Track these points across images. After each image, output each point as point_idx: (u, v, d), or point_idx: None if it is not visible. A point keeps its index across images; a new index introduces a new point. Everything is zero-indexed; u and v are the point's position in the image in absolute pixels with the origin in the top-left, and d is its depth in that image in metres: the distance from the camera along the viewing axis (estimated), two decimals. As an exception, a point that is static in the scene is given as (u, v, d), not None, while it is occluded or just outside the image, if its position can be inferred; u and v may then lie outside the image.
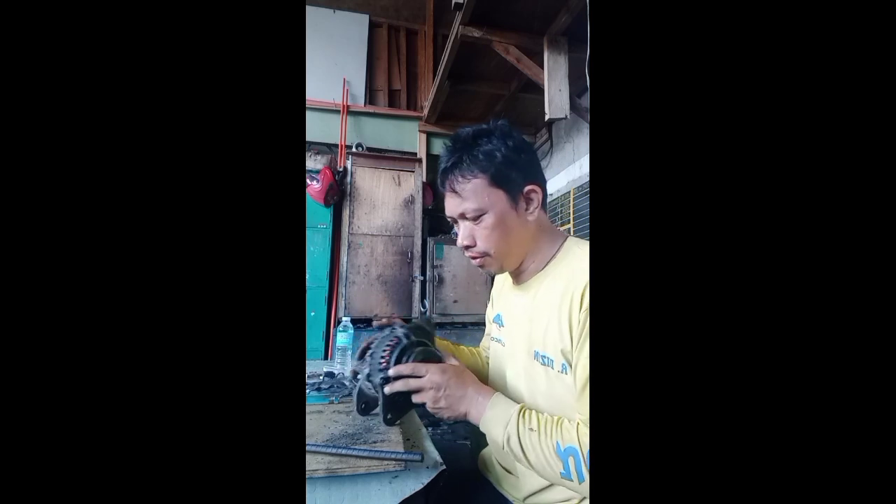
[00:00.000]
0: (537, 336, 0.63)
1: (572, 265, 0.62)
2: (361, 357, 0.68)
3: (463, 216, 0.65)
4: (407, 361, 0.61)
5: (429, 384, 0.59)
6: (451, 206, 0.66)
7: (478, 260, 0.67)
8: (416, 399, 0.60)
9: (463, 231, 0.66)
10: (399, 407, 0.63)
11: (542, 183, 0.66)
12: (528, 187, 0.64)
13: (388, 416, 0.62)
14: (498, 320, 0.79)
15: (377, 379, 0.62)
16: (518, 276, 0.71)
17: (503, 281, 0.80)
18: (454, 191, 0.64)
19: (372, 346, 0.65)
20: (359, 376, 0.68)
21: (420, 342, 0.64)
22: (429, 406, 0.59)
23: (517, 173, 0.63)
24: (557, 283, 0.61)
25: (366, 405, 0.69)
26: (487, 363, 0.87)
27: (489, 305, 0.87)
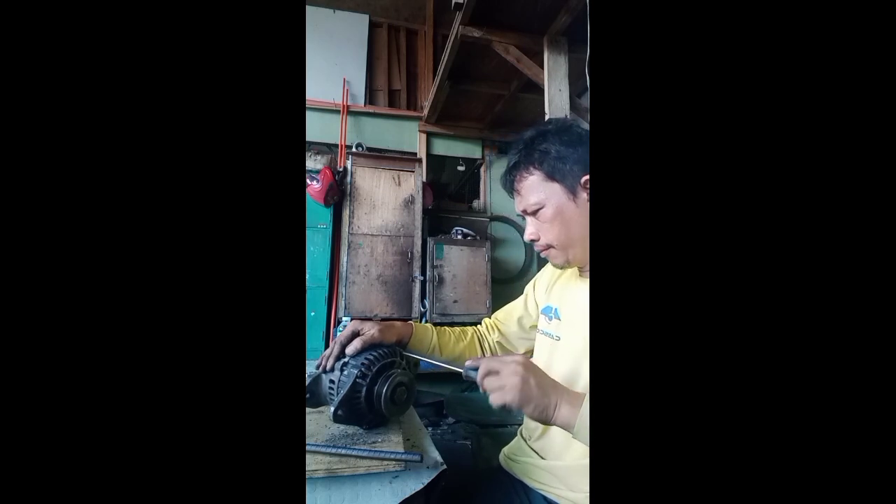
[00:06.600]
0: None
1: None
2: (340, 356, 0.65)
3: (525, 212, 0.69)
4: (388, 380, 0.60)
5: (510, 379, 0.51)
6: (517, 204, 0.71)
7: (544, 252, 0.70)
8: (494, 401, 0.52)
9: (529, 226, 0.70)
10: (355, 408, 0.59)
11: None
12: (585, 177, 0.65)
13: (339, 413, 0.58)
14: (549, 312, 0.75)
15: (341, 370, 0.60)
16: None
17: (557, 272, 0.78)
18: (516, 189, 0.70)
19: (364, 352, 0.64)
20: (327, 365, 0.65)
21: (404, 370, 0.63)
22: (512, 403, 0.51)
23: (573, 165, 0.65)
24: None
25: (311, 395, 0.64)
26: (487, 345, 0.87)
27: (531, 293, 0.84)
